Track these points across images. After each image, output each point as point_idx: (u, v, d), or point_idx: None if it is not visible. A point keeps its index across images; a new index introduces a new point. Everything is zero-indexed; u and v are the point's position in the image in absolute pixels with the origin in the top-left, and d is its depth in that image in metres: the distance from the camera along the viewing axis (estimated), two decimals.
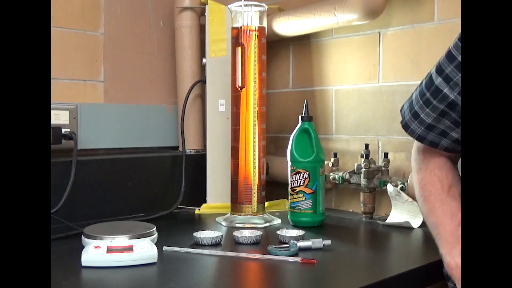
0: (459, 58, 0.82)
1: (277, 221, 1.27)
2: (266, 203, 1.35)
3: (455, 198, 0.86)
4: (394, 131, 1.34)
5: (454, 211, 0.84)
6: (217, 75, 1.45)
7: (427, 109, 0.88)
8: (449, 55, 0.84)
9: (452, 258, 0.80)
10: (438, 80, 0.85)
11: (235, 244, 1.05)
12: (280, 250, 0.96)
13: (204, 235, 1.04)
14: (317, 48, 1.52)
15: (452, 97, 0.84)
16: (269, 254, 0.95)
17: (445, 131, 0.88)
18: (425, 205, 0.91)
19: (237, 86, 1.28)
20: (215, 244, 1.03)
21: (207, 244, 1.02)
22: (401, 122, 0.96)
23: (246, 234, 1.06)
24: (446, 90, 0.84)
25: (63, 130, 1.30)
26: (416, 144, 0.97)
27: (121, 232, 0.94)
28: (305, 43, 1.55)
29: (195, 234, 1.04)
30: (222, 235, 1.05)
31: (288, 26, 1.45)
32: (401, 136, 1.32)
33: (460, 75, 0.82)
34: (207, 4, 1.46)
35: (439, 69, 0.86)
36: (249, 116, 1.27)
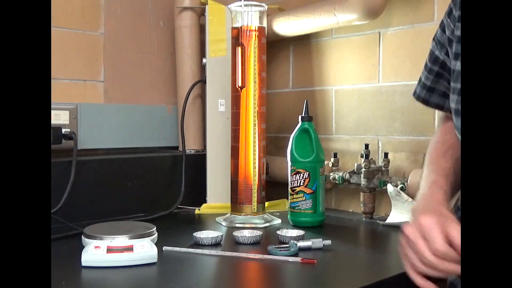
0: (444, 21, 0.85)
1: (277, 221, 1.27)
2: (266, 203, 1.35)
3: (446, 157, 0.86)
4: (394, 131, 1.34)
5: (438, 168, 0.84)
6: (217, 75, 1.45)
7: (426, 73, 0.91)
8: (440, 23, 0.88)
9: (415, 204, 0.80)
10: (432, 44, 0.90)
11: (235, 244, 1.05)
12: (280, 250, 0.96)
13: (204, 235, 1.04)
14: (317, 48, 1.52)
15: (442, 58, 0.87)
16: (269, 254, 0.95)
17: (445, 92, 0.89)
18: (424, 165, 0.91)
19: (237, 86, 1.28)
20: (215, 244, 1.03)
21: (207, 244, 1.02)
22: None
23: (246, 234, 1.06)
24: (436, 52, 0.88)
25: (63, 130, 1.30)
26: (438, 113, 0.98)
27: (121, 232, 0.94)
28: (305, 43, 1.55)
29: (195, 234, 1.04)
30: (222, 235, 1.05)
31: (288, 26, 1.45)
32: (401, 136, 1.32)
33: (445, 35, 0.85)
34: (207, 4, 1.46)
35: (434, 35, 0.90)
36: (249, 116, 1.27)
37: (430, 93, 0.92)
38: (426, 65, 0.92)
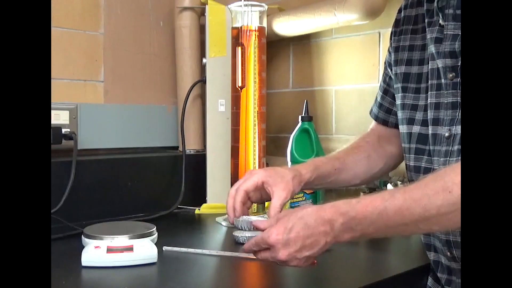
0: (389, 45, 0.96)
1: None
2: (266, 203, 1.35)
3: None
4: None
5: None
6: (217, 75, 1.45)
7: (379, 90, 1.01)
8: (388, 47, 0.98)
9: None
10: (384, 66, 0.99)
11: (235, 244, 1.05)
12: None
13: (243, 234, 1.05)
14: (317, 48, 1.52)
15: (389, 75, 0.96)
16: None
17: (389, 108, 0.98)
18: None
19: (237, 86, 1.28)
20: None
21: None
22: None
23: (246, 234, 1.06)
24: (387, 71, 0.98)
25: (63, 130, 1.30)
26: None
27: (121, 232, 0.94)
28: (305, 43, 1.55)
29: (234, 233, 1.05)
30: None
31: (288, 26, 1.45)
32: None
33: (391, 55, 0.95)
34: (207, 4, 1.46)
35: (385, 59, 0.99)
36: (249, 116, 1.27)
37: (379, 109, 1.00)
38: (380, 85, 1.02)
